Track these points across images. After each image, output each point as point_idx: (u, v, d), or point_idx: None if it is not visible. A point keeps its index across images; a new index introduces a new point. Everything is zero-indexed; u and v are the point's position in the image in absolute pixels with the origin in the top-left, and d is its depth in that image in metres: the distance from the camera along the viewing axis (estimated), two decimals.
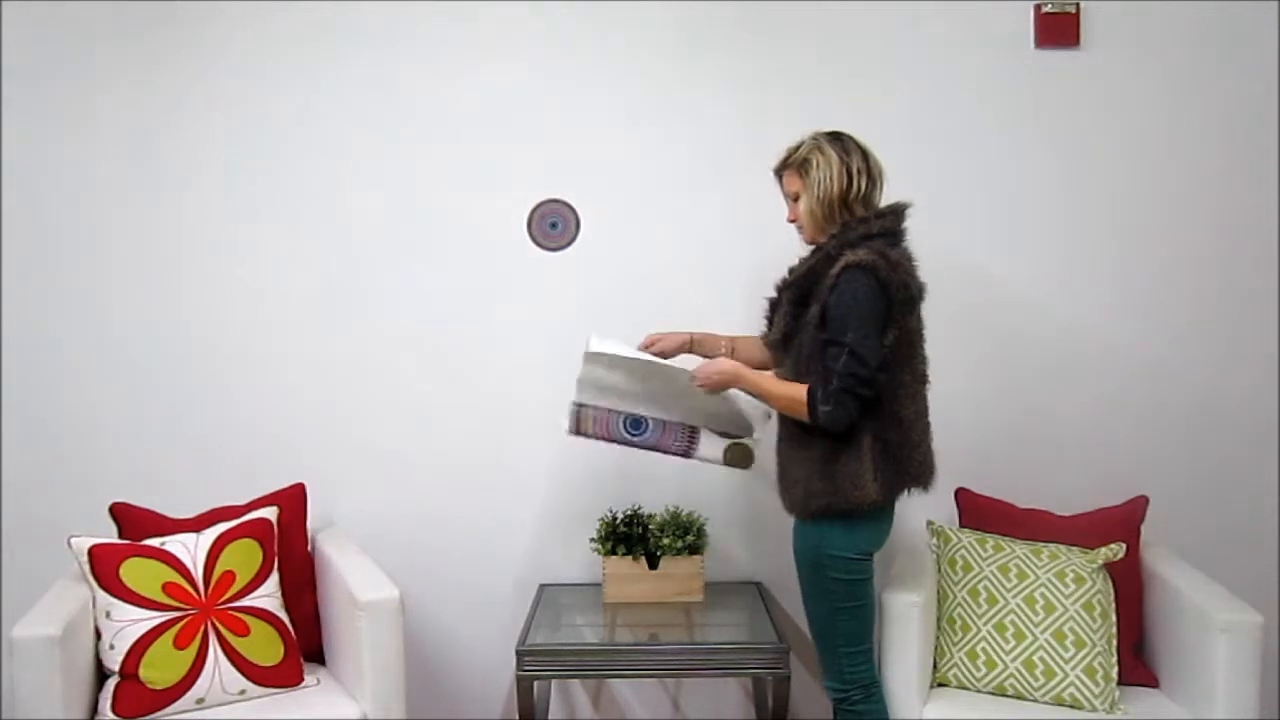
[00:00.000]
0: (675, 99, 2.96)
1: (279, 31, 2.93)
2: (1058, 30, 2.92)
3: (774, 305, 2.44)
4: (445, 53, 2.95)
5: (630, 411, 2.55)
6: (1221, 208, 2.97)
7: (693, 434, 2.57)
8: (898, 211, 2.35)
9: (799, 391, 2.25)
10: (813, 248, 2.38)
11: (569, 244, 3.00)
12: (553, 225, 3.00)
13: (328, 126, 2.96)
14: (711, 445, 2.57)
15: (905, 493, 2.35)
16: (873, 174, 2.35)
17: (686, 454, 2.57)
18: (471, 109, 2.96)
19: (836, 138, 2.36)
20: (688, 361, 2.56)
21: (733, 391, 2.47)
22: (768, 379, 2.38)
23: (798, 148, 2.38)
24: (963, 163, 2.97)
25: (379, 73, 2.95)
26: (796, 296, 2.34)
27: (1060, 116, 2.95)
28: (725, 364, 2.43)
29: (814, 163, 2.33)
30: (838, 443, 2.26)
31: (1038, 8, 2.93)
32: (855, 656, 2.37)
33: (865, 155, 2.35)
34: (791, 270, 2.42)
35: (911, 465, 2.31)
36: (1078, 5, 2.92)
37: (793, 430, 2.36)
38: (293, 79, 2.94)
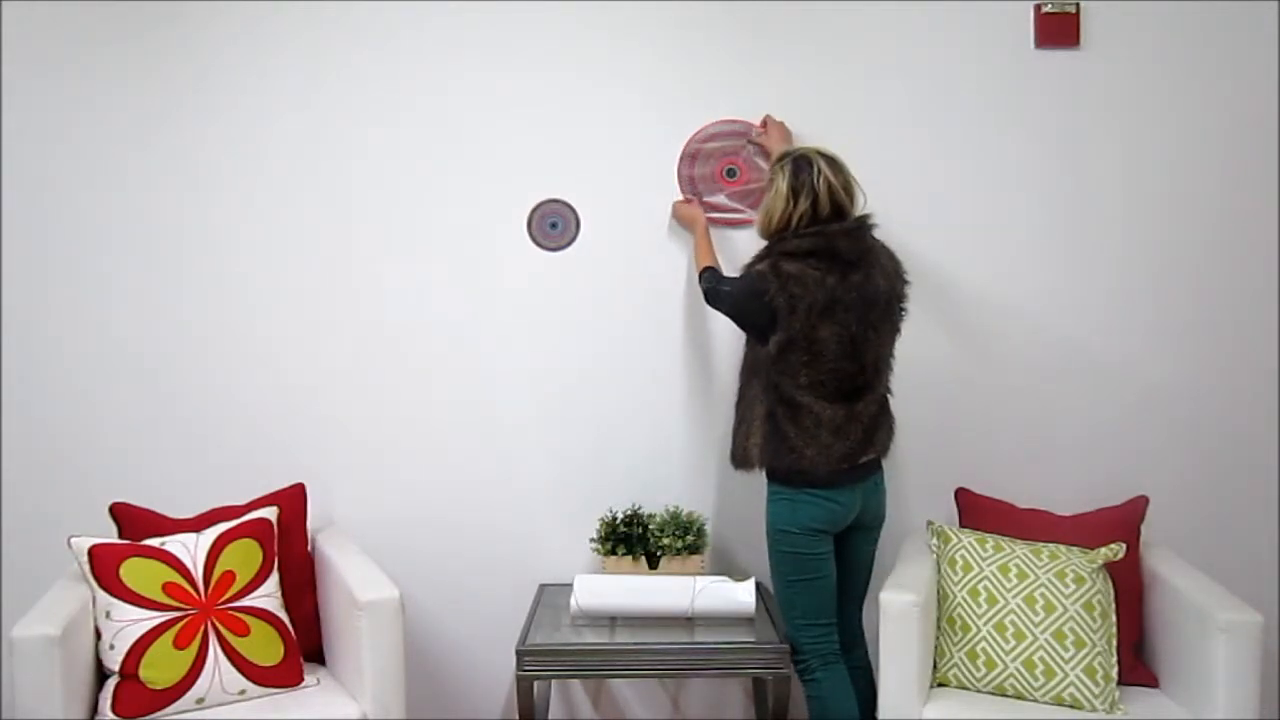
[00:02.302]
0: (676, 99, 2.96)
1: (279, 31, 2.93)
2: (1058, 30, 2.92)
3: None
4: (445, 52, 2.95)
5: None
6: (1221, 208, 2.97)
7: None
8: (824, 234, 2.46)
9: (703, 263, 2.74)
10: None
11: (569, 244, 3.00)
12: (553, 225, 3.00)
13: (328, 127, 2.95)
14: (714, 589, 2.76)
15: (801, 479, 2.49)
16: (819, 206, 2.47)
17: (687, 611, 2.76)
18: (472, 108, 2.96)
19: (799, 167, 2.49)
20: None
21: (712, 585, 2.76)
22: (703, 247, 2.80)
23: (775, 160, 2.57)
24: (962, 163, 2.96)
25: (379, 72, 2.95)
26: None
27: (1060, 116, 2.95)
28: (698, 215, 2.88)
29: (773, 183, 2.53)
30: (747, 408, 2.58)
31: (1038, 8, 2.92)
32: (813, 629, 2.54)
33: (816, 190, 2.46)
34: None
35: (807, 451, 2.47)
36: (1078, 5, 2.92)
37: (738, 391, 2.65)
38: (293, 78, 2.94)
